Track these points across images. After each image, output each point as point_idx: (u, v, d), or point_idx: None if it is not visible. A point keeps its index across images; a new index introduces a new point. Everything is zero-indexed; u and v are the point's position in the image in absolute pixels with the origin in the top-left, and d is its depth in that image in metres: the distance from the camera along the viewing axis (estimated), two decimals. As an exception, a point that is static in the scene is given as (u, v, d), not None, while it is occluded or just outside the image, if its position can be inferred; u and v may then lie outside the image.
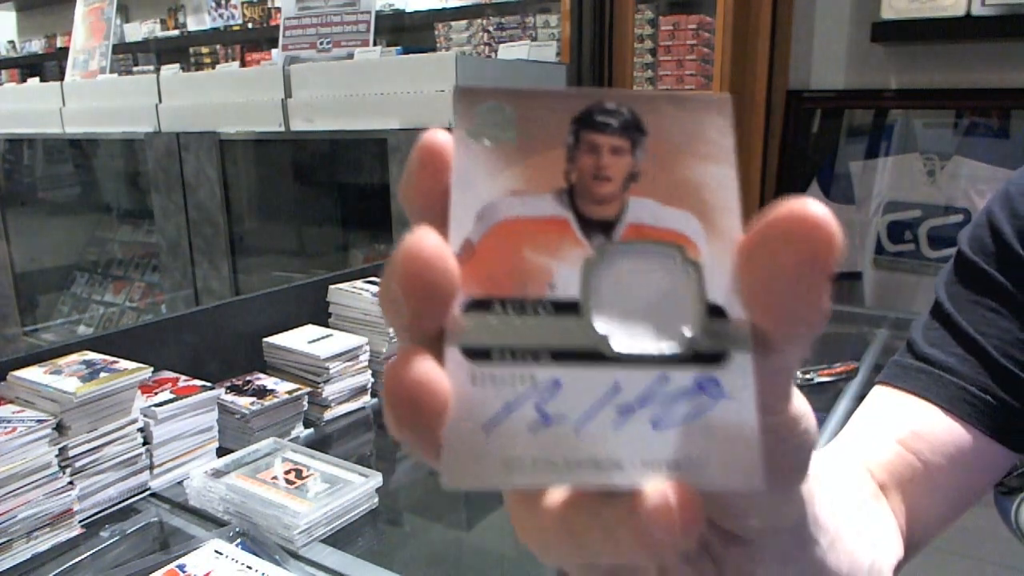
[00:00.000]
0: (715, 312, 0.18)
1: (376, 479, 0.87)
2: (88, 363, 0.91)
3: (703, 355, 0.18)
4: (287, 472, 0.89)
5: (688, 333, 0.18)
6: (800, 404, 0.21)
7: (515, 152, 0.19)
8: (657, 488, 0.17)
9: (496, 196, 0.19)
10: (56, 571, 0.77)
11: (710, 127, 0.20)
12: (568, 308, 0.18)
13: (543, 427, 0.17)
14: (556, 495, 0.20)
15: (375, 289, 1.25)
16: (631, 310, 0.18)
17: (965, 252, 0.48)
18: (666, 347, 0.18)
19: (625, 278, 0.18)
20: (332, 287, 1.30)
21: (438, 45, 2.95)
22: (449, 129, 0.19)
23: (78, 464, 0.83)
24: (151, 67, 3.71)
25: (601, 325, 0.18)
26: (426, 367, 0.17)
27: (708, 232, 0.19)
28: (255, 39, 3.84)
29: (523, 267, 0.18)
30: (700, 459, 0.18)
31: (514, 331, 0.18)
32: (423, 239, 0.17)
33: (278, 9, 3.02)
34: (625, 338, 0.18)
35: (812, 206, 0.17)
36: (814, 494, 0.27)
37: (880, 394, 0.48)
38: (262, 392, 1.07)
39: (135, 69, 3.91)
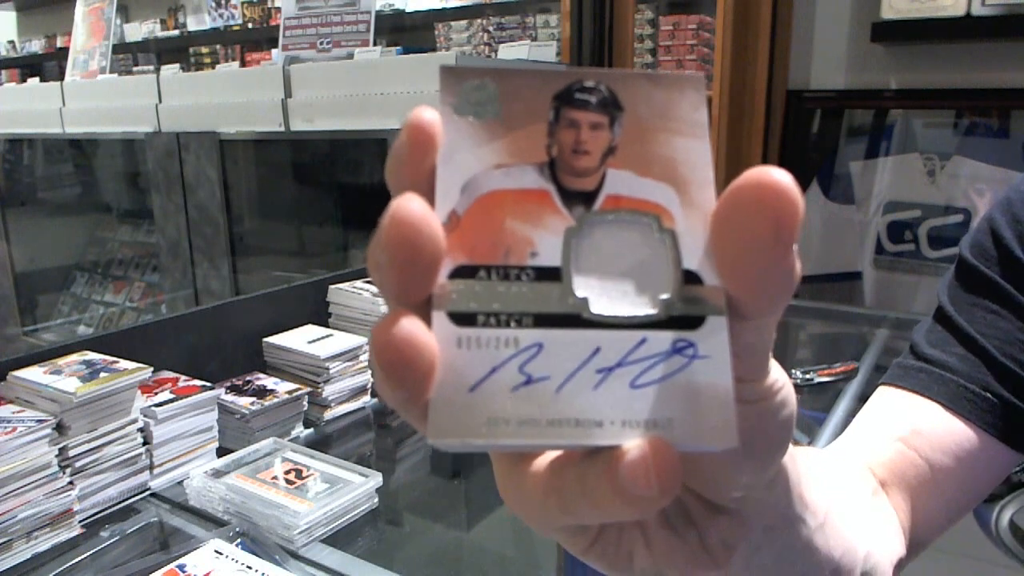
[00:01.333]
0: (691, 278, 0.19)
1: (376, 479, 0.87)
2: (88, 363, 0.91)
3: (679, 319, 0.19)
4: (287, 472, 0.89)
5: (665, 298, 0.19)
6: (777, 374, 0.22)
7: (499, 127, 0.20)
8: (635, 444, 0.18)
9: (481, 169, 0.19)
10: (56, 571, 0.77)
11: (684, 103, 0.20)
12: (550, 275, 0.19)
13: (526, 388, 0.18)
14: (541, 460, 0.20)
15: (375, 289, 1.25)
16: (610, 276, 0.19)
17: (966, 257, 0.48)
18: (644, 311, 0.19)
19: (604, 246, 0.19)
20: (332, 287, 1.30)
21: (438, 45, 2.95)
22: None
23: (78, 464, 0.83)
24: (151, 67, 3.71)
25: (581, 290, 0.19)
26: (413, 326, 0.17)
27: (683, 202, 0.20)
28: (255, 39, 3.84)
29: (506, 236, 0.19)
30: (677, 418, 0.18)
31: (498, 297, 0.18)
32: (409, 204, 0.17)
33: (278, 9, 3.02)
34: (604, 302, 0.19)
35: (774, 173, 0.18)
36: (801, 474, 0.27)
37: (882, 394, 0.49)
38: (262, 392, 1.07)
39: (135, 69, 3.91)
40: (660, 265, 0.19)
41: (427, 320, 0.18)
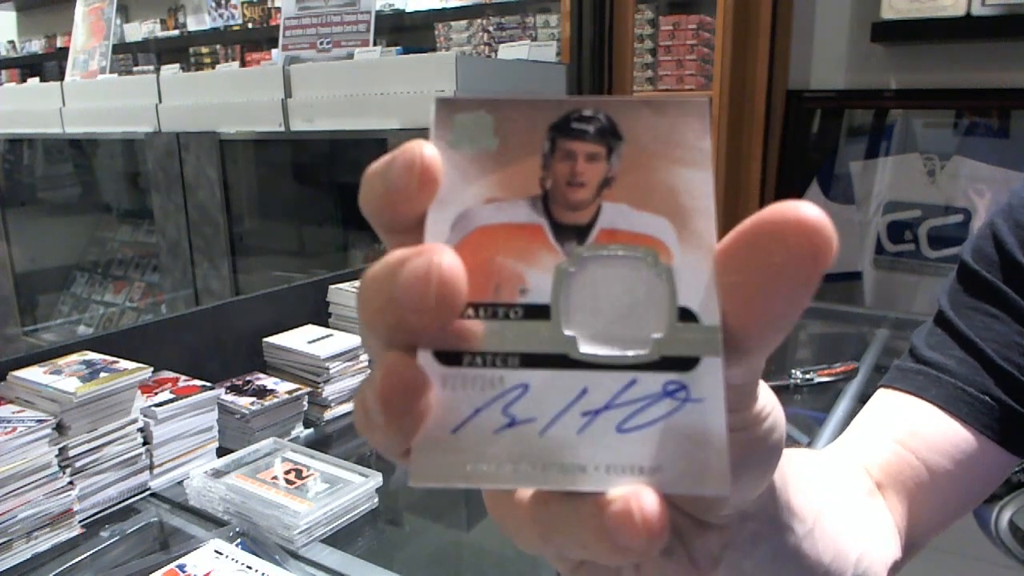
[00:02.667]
0: (686, 316, 0.18)
1: (376, 479, 0.87)
2: (88, 363, 0.91)
3: (672, 360, 0.18)
4: (287, 472, 0.89)
5: (658, 337, 0.18)
6: (765, 399, 0.22)
7: (493, 160, 0.19)
8: (621, 494, 0.17)
9: (472, 204, 0.19)
10: (56, 571, 0.77)
11: (687, 131, 0.20)
12: (539, 313, 0.18)
13: (509, 430, 0.18)
14: (526, 491, 0.20)
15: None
16: (601, 314, 0.19)
17: (968, 262, 0.48)
18: (635, 351, 0.18)
19: (596, 283, 0.19)
20: (332, 287, 1.30)
21: (438, 45, 2.95)
22: (416, 136, 0.19)
23: (78, 464, 0.83)
24: (151, 67, 3.71)
25: (570, 329, 0.18)
26: (417, 372, 0.17)
27: (681, 236, 0.19)
28: (255, 39, 3.84)
29: (496, 273, 0.19)
30: (666, 464, 0.18)
31: (484, 336, 0.18)
32: (444, 257, 0.17)
33: (278, 9, 3.01)
34: (594, 342, 0.18)
35: (808, 208, 0.17)
36: (788, 481, 0.27)
37: (880, 397, 0.49)
38: (262, 392, 1.07)
39: (135, 69, 3.91)
40: (654, 303, 0.18)
41: (412, 359, 0.18)
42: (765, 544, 0.27)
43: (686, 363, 0.18)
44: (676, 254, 0.19)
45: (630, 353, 0.18)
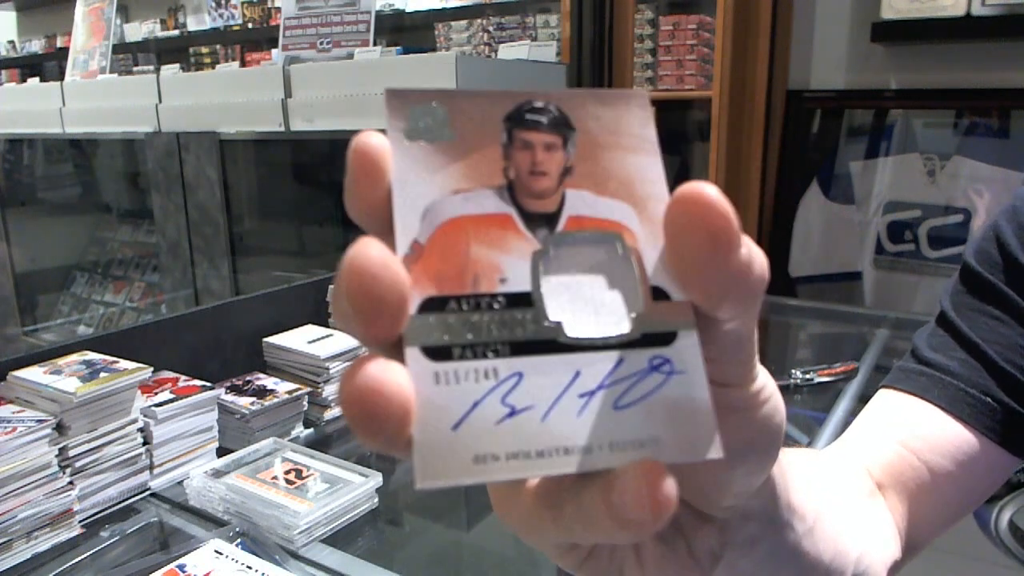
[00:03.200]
0: (658, 294, 0.19)
1: (376, 479, 0.87)
2: (88, 363, 0.91)
3: (652, 336, 0.19)
4: (287, 472, 0.89)
5: (636, 316, 0.19)
6: (764, 381, 0.22)
7: (452, 151, 0.20)
8: (628, 470, 0.17)
9: (439, 195, 0.19)
10: (56, 571, 0.77)
11: (631, 120, 0.21)
12: (521, 301, 0.19)
13: (510, 420, 0.18)
14: (534, 480, 0.20)
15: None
16: (581, 298, 0.19)
17: (970, 264, 0.48)
18: (618, 331, 0.19)
19: (572, 268, 0.19)
20: (332, 287, 1.30)
21: (438, 45, 2.94)
22: (383, 131, 0.19)
23: (78, 464, 0.83)
24: (151, 67, 3.71)
25: (555, 314, 0.19)
26: (380, 372, 0.16)
27: (641, 219, 0.20)
28: (255, 39, 3.84)
29: (473, 264, 0.19)
30: (662, 436, 0.18)
31: (472, 327, 0.18)
32: (367, 250, 0.17)
33: (278, 9, 3.01)
34: (579, 325, 0.19)
35: (702, 187, 0.18)
36: (789, 480, 0.28)
37: (882, 397, 0.49)
38: (262, 392, 1.07)
39: (135, 69, 3.91)
40: (628, 283, 0.19)
41: (401, 358, 0.17)
42: (765, 543, 0.27)
43: (665, 338, 0.19)
44: (640, 236, 0.20)
45: (614, 333, 0.19)
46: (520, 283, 0.19)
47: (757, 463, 0.23)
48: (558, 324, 0.19)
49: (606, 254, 0.19)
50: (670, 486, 0.17)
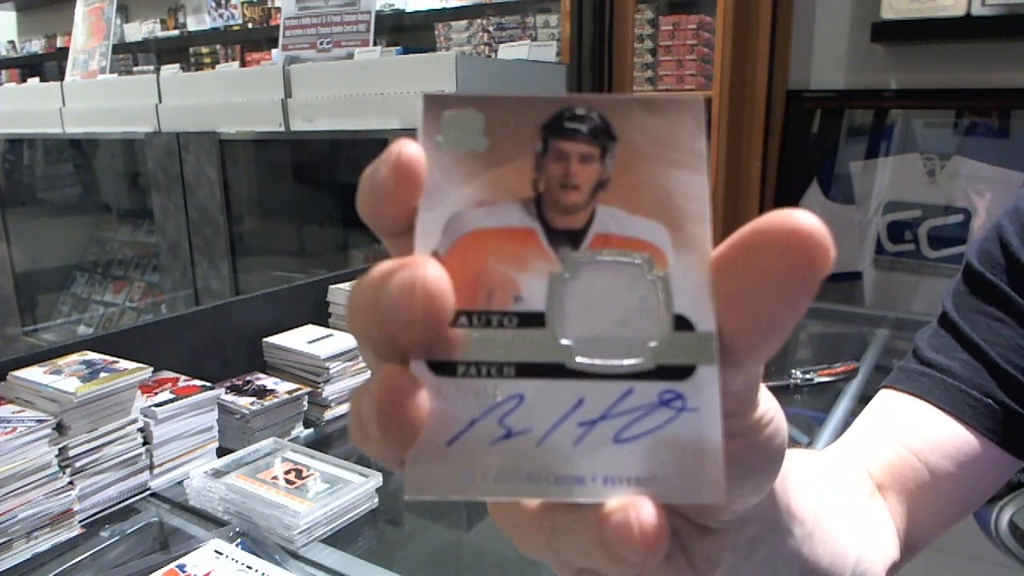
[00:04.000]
0: (682, 324, 0.18)
1: (376, 479, 0.87)
2: (88, 363, 0.91)
3: (668, 369, 0.18)
4: (287, 472, 0.89)
5: (653, 346, 0.18)
6: (767, 405, 0.21)
7: (483, 161, 0.19)
8: (619, 506, 0.17)
9: (463, 207, 0.18)
10: (56, 571, 0.77)
11: (681, 132, 0.19)
12: (534, 321, 0.18)
13: (505, 441, 0.17)
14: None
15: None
16: (597, 323, 0.18)
17: (973, 264, 0.48)
18: (631, 361, 0.18)
19: (591, 290, 0.18)
20: (332, 287, 1.30)
21: (438, 45, 2.94)
22: (415, 136, 0.19)
23: (78, 464, 0.83)
24: (151, 67, 3.71)
25: (566, 338, 0.18)
26: (413, 384, 0.17)
27: (676, 241, 0.18)
28: (255, 39, 3.84)
29: (489, 279, 0.18)
30: (662, 474, 0.17)
31: (479, 345, 0.18)
32: (428, 270, 0.17)
33: (278, 9, 3.01)
34: (589, 351, 0.18)
35: (805, 217, 0.17)
36: (789, 484, 0.27)
37: (883, 397, 0.49)
38: (262, 392, 1.07)
39: (135, 69, 3.91)
40: (650, 310, 0.18)
41: (406, 368, 0.17)
42: (764, 547, 0.27)
43: (682, 371, 0.18)
44: (671, 260, 0.18)
45: (626, 362, 0.18)
46: (535, 302, 0.18)
47: (756, 484, 0.23)
48: (568, 348, 0.18)
49: (628, 278, 0.18)
50: (661, 525, 0.17)
